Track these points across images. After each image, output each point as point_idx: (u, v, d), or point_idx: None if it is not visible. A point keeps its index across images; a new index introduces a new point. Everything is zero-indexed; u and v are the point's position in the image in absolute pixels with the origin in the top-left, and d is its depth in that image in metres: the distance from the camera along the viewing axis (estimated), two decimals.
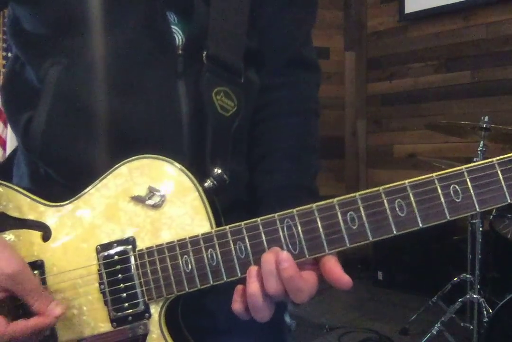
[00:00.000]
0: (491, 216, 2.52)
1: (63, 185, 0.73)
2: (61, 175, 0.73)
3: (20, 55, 0.77)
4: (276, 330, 0.85)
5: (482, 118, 2.43)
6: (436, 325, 2.53)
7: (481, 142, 2.44)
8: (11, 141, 2.92)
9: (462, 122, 2.62)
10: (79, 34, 0.71)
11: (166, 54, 0.73)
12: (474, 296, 2.42)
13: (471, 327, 2.45)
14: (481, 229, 2.45)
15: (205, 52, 0.73)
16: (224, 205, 0.72)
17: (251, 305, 0.63)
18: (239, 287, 0.64)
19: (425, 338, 2.53)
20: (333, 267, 0.61)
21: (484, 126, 2.41)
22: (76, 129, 0.72)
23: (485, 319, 2.30)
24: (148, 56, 0.72)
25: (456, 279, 2.74)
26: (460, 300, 2.53)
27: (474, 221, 2.50)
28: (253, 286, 0.62)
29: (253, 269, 0.62)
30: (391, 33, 4.16)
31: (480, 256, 2.44)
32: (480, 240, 2.44)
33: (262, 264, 0.61)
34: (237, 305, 0.64)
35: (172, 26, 0.74)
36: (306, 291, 0.62)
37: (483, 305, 2.39)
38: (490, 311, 2.32)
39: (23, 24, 0.75)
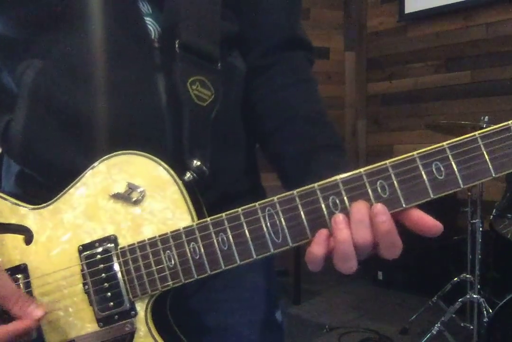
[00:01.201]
0: (491, 216, 2.51)
1: (47, 186, 0.72)
2: (44, 177, 0.73)
3: None
4: (267, 328, 0.84)
5: (482, 118, 2.44)
6: (436, 325, 2.52)
7: None
8: None
9: (462, 122, 2.62)
10: (51, 35, 0.70)
11: (142, 47, 0.72)
12: (474, 296, 2.42)
13: (471, 327, 2.45)
14: (481, 229, 2.45)
15: (177, 41, 0.71)
16: (213, 196, 0.70)
17: (341, 252, 0.58)
18: (324, 231, 0.59)
19: (425, 338, 2.52)
20: (423, 216, 0.58)
21: (484, 126, 2.41)
22: (55, 130, 0.70)
23: (485, 319, 2.30)
24: (124, 51, 0.71)
25: (456, 279, 2.73)
26: (460, 300, 2.52)
27: (474, 221, 2.50)
28: (344, 233, 0.57)
29: (341, 216, 0.58)
30: (391, 33, 4.15)
31: (480, 256, 2.44)
32: (480, 240, 2.44)
33: (352, 213, 0.58)
34: (318, 248, 0.59)
35: (147, 18, 0.73)
36: (399, 246, 0.60)
37: (483, 305, 2.39)
38: (490, 311, 2.31)
39: None
